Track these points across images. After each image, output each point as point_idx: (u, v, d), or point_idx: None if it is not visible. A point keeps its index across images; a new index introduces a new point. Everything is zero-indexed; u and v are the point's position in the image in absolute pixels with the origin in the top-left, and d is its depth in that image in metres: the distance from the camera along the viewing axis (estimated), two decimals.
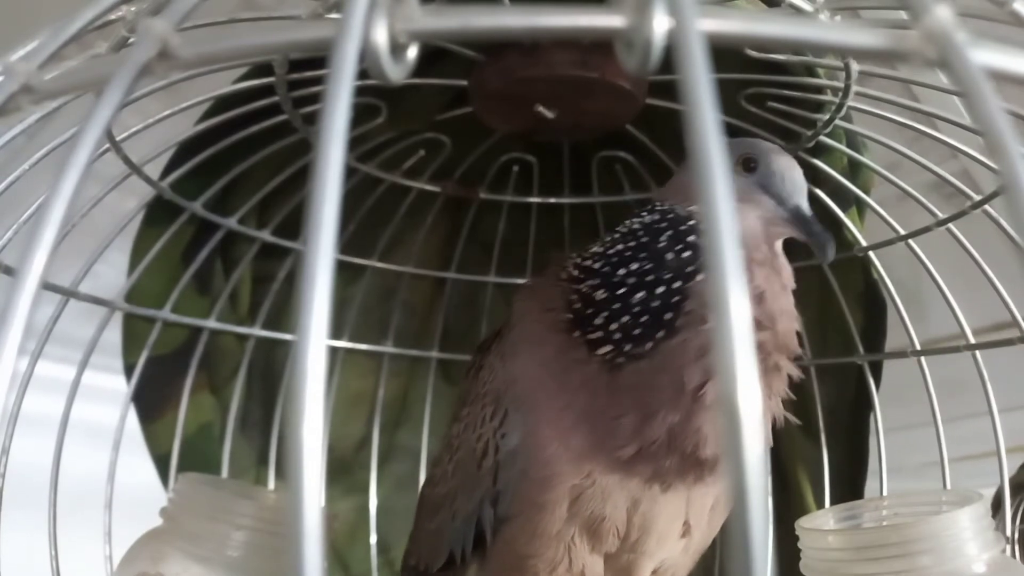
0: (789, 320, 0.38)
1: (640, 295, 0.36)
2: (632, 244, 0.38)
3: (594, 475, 0.37)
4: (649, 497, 0.37)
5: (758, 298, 0.37)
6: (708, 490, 0.39)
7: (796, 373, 0.39)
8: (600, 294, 0.37)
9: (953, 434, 0.47)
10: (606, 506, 0.37)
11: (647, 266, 0.37)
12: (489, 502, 0.40)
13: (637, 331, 0.36)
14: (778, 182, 0.39)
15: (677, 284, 0.36)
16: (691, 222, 0.38)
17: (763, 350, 0.36)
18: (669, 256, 0.37)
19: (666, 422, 0.35)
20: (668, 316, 0.36)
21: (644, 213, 0.40)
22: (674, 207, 0.39)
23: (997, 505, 0.45)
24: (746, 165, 0.40)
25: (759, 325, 0.36)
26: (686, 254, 0.37)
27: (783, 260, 0.39)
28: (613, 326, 0.36)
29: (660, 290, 0.36)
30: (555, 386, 0.38)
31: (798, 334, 0.39)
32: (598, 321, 0.37)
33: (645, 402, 0.35)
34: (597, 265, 0.39)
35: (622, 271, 0.37)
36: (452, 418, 0.48)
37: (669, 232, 0.38)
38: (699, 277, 0.36)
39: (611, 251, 0.39)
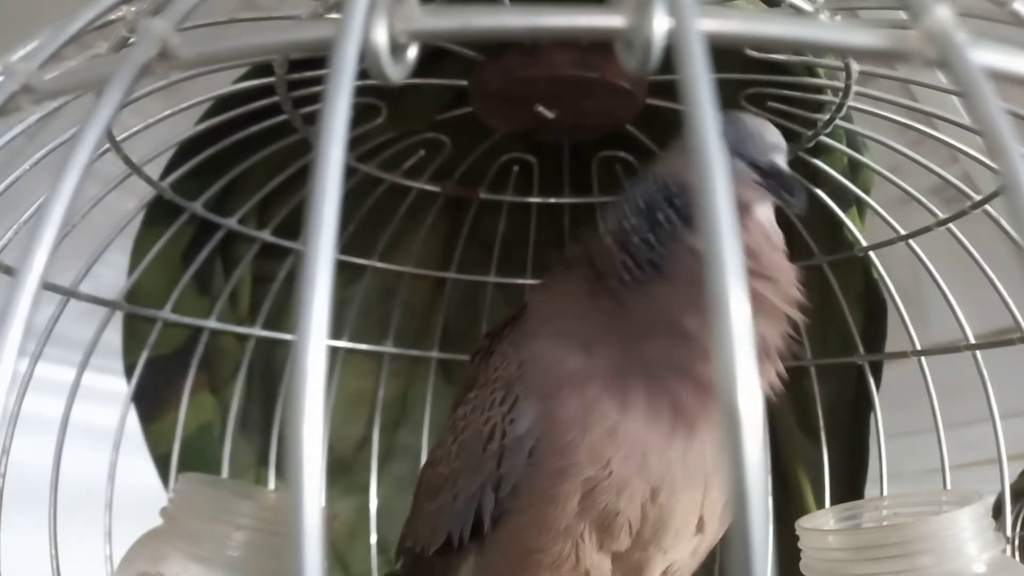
0: (789, 272, 0.39)
1: (637, 238, 0.39)
2: (633, 206, 0.41)
3: (612, 464, 0.37)
4: (669, 486, 0.37)
5: (752, 254, 0.38)
6: (723, 483, 0.39)
7: (800, 318, 0.39)
8: (609, 241, 0.41)
9: (953, 441, 0.47)
10: (620, 499, 0.37)
11: (643, 223, 0.40)
12: (491, 486, 0.40)
13: (638, 263, 0.39)
14: (748, 144, 0.39)
15: (663, 230, 0.39)
16: (669, 188, 0.40)
17: (765, 300, 0.37)
18: (659, 215, 0.39)
19: (667, 350, 0.37)
20: (661, 252, 0.38)
21: (639, 182, 0.42)
22: (665, 180, 0.41)
23: (997, 512, 0.45)
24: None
25: (756, 275, 0.37)
26: (669, 210, 0.39)
27: (771, 227, 0.40)
28: (615, 260, 0.40)
29: (653, 233, 0.39)
30: (578, 355, 0.39)
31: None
32: (606, 261, 0.40)
33: (646, 332, 0.37)
34: (609, 225, 0.42)
35: (626, 222, 0.40)
36: (456, 402, 0.48)
37: (660, 196, 0.40)
38: (680, 224, 0.39)
39: (610, 220, 0.42)
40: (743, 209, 0.39)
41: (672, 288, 0.38)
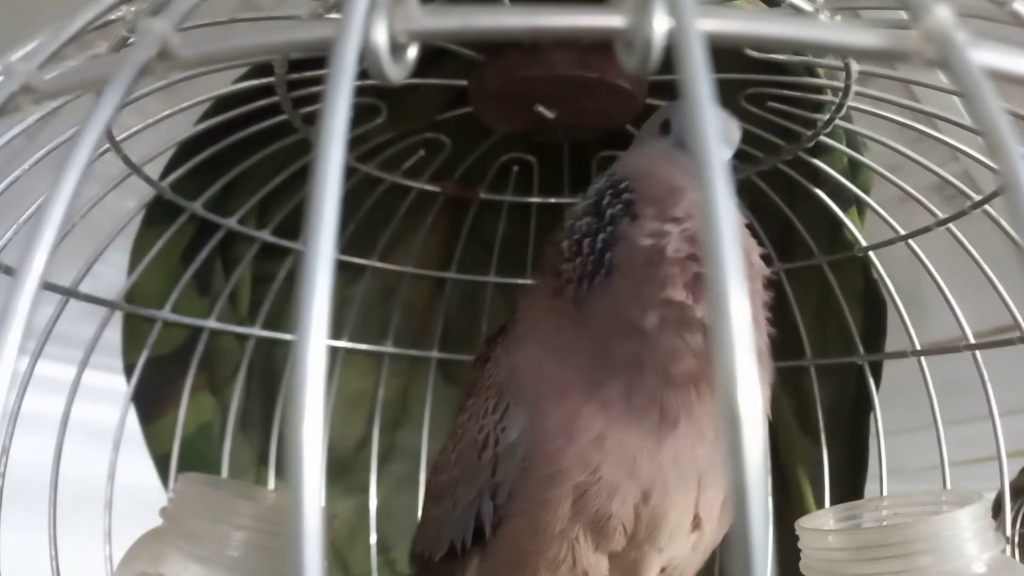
0: (758, 298, 0.39)
1: (587, 240, 0.40)
2: (584, 205, 0.42)
3: (600, 471, 0.37)
4: (660, 487, 0.37)
5: (691, 240, 0.37)
6: (719, 477, 0.39)
7: (769, 338, 0.39)
8: (564, 245, 0.41)
9: (953, 437, 0.47)
10: (612, 503, 0.37)
11: (592, 220, 0.41)
12: (488, 494, 0.40)
13: (589, 268, 0.39)
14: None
15: (610, 229, 0.39)
16: (623, 183, 0.41)
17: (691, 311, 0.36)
18: (608, 211, 0.40)
19: (632, 349, 0.37)
20: (607, 256, 0.39)
21: (597, 180, 0.43)
22: (614, 174, 0.42)
23: (997, 509, 0.45)
24: (663, 128, 0.42)
25: (696, 295, 0.36)
26: (619, 207, 0.40)
27: (746, 239, 0.40)
28: (571, 267, 0.40)
29: (600, 236, 0.39)
30: (556, 368, 0.39)
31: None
32: (564, 267, 0.41)
33: (609, 335, 0.38)
34: (566, 227, 0.43)
35: (578, 224, 0.41)
36: (458, 408, 0.48)
37: (609, 192, 0.41)
38: (627, 220, 0.39)
39: (574, 215, 0.43)
40: (674, 203, 0.38)
41: (623, 286, 0.38)
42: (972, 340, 0.45)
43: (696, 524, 0.39)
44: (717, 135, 0.14)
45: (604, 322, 0.38)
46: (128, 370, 0.53)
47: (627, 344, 0.37)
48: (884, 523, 0.41)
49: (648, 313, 0.36)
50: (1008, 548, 0.46)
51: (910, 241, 0.46)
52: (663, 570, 0.41)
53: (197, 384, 0.54)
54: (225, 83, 0.44)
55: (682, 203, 0.38)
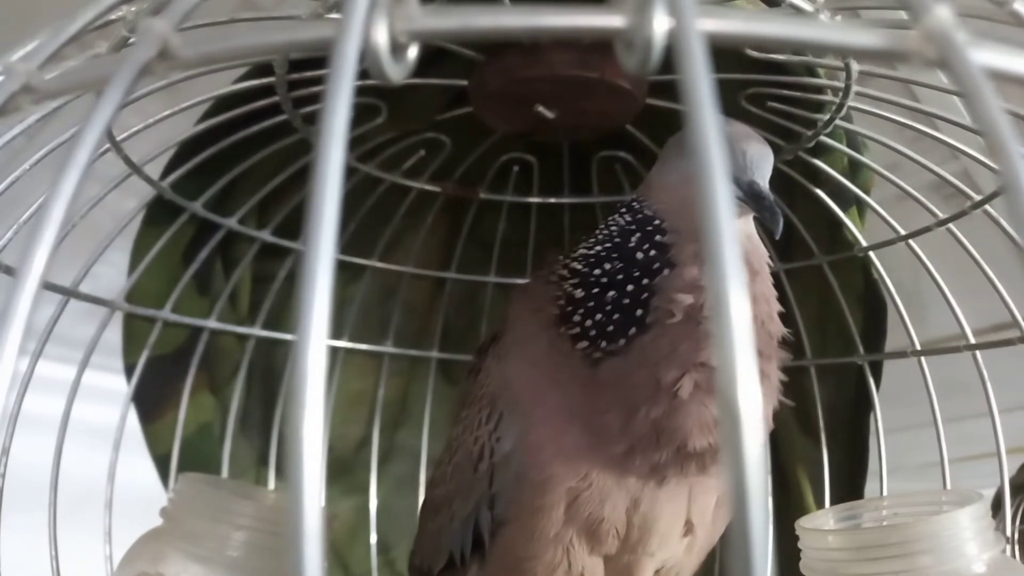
0: (765, 304, 0.38)
1: (612, 293, 0.37)
2: (608, 245, 0.39)
3: (591, 477, 0.37)
4: (649, 496, 0.37)
5: None
6: (711, 485, 0.38)
7: (782, 356, 0.38)
8: (579, 292, 0.38)
9: (953, 435, 0.47)
10: (604, 508, 0.37)
11: (619, 265, 0.38)
12: (486, 505, 0.40)
13: (611, 328, 0.37)
14: (729, 157, 0.37)
15: (645, 281, 0.36)
16: (656, 222, 0.38)
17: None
18: (639, 256, 0.37)
19: (649, 417, 0.35)
20: (639, 313, 0.36)
21: (620, 213, 0.40)
22: (643, 207, 0.39)
23: (997, 506, 0.45)
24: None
25: None
26: (652, 252, 0.37)
27: (751, 245, 0.38)
28: (588, 323, 0.37)
29: (630, 288, 0.37)
30: (547, 386, 0.38)
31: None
32: (576, 318, 0.38)
33: (627, 398, 0.36)
34: (578, 265, 0.39)
35: (598, 271, 0.38)
36: (453, 420, 0.48)
37: (638, 234, 0.38)
38: (664, 272, 0.36)
39: (590, 252, 0.39)
40: None
41: (658, 346, 0.35)
42: (972, 340, 0.45)
43: (688, 529, 0.39)
44: (717, 136, 0.14)
45: (625, 383, 0.36)
46: (128, 370, 0.53)
47: (649, 409, 0.35)
48: (884, 523, 0.41)
49: (685, 378, 0.34)
50: (1008, 545, 0.46)
51: (910, 241, 0.46)
52: (657, 572, 0.41)
53: (197, 384, 0.54)
54: (225, 83, 0.44)
55: None
